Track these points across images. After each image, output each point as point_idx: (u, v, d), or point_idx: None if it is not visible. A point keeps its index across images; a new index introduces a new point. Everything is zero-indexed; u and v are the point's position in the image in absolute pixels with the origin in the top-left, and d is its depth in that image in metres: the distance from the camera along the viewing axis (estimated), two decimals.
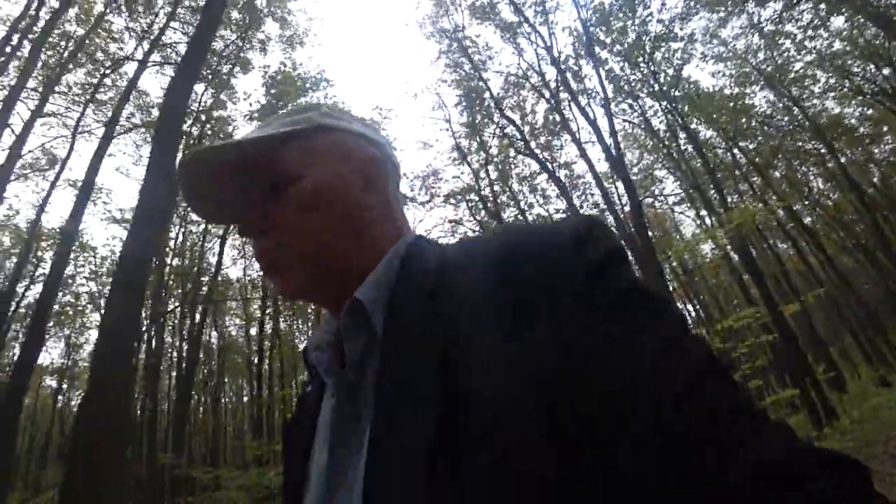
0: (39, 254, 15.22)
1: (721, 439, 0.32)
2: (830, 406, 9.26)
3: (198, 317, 15.02)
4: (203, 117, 13.82)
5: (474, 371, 0.38)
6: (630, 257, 0.45)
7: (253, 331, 18.79)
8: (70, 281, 16.51)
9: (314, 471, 0.47)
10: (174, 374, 17.98)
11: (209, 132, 13.95)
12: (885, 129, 19.09)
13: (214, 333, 21.81)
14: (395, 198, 0.59)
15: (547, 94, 13.54)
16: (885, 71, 15.76)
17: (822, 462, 0.31)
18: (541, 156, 16.11)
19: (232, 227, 0.53)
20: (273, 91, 13.62)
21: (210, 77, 12.65)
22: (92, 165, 10.45)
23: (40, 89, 11.19)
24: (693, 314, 24.21)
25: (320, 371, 0.51)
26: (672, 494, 0.31)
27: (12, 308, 12.33)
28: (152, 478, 11.57)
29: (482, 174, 16.62)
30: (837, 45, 15.85)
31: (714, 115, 16.67)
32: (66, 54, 11.92)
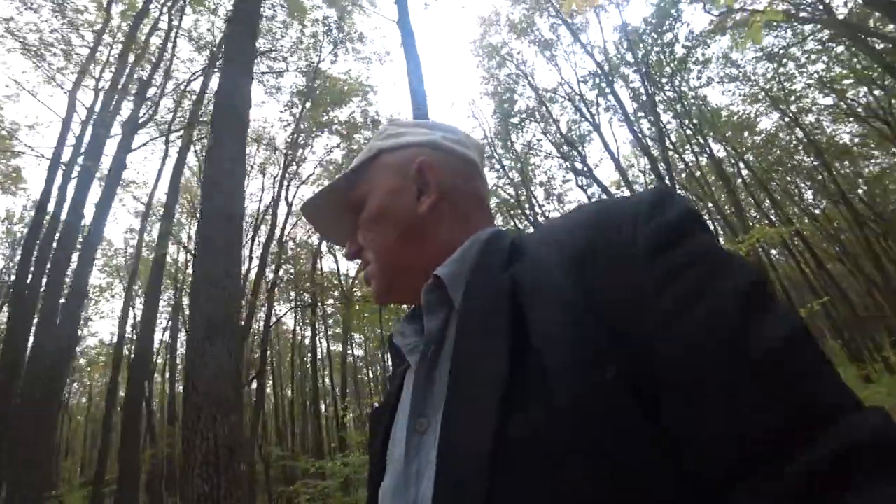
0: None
1: (805, 412, 0.30)
2: None
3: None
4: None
5: (543, 335, 0.39)
6: (707, 226, 0.43)
7: None
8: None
9: (394, 445, 0.50)
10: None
11: None
12: (873, 145, 20.84)
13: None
14: (468, 191, 0.60)
15: (583, 108, 14.74)
16: (876, 93, 17.30)
17: None
18: (564, 165, 17.38)
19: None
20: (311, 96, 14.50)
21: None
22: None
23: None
24: None
25: (404, 351, 0.54)
26: (745, 472, 0.30)
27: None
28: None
29: (512, 175, 17.76)
30: (836, 70, 17.35)
31: (721, 130, 18.09)
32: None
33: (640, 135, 13.55)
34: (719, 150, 19.18)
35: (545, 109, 17.03)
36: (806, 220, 22.32)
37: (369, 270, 0.59)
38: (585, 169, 15.98)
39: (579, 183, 17.36)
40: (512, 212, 17.81)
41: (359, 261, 0.62)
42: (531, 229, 0.54)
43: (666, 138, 16.78)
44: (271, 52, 14.41)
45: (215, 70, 13.22)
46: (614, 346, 0.36)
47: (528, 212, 17.75)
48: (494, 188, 17.95)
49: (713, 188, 18.91)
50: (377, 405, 0.61)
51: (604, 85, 14.72)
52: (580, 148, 16.76)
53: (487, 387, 0.39)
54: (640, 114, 16.04)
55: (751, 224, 16.82)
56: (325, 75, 13.48)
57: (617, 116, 14.86)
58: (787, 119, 18.67)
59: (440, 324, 0.49)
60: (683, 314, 0.35)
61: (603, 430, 0.34)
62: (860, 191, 22.02)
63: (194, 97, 12.73)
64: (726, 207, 16.91)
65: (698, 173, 17.45)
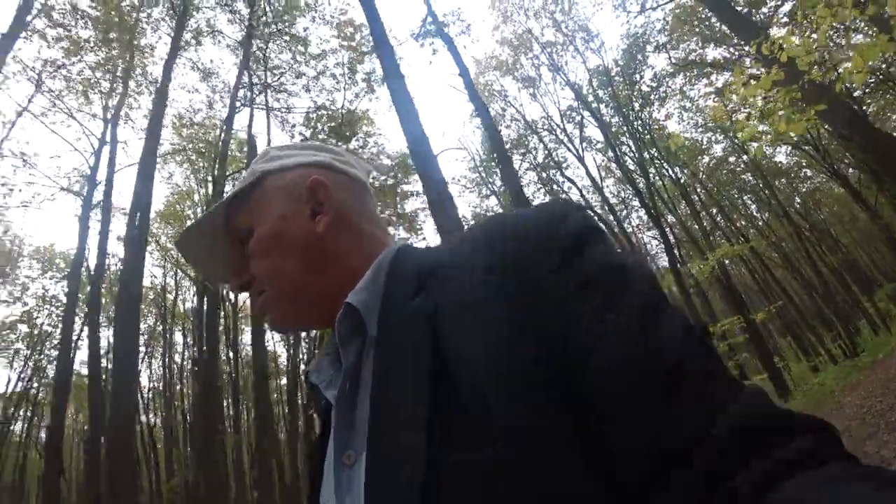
0: None
1: (701, 401, 0.33)
2: (785, 383, 12.79)
3: None
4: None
5: (460, 362, 0.39)
6: (607, 235, 0.45)
7: None
8: None
9: (328, 474, 0.47)
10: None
11: None
12: (805, 165, 24.02)
13: None
14: (362, 210, 0.60)
15: (564, 139, 16.66)
16: None
17: (799, 421, 0.32)
18: (543, 189, 19.27)
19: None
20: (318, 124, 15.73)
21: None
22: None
23: None
24: None
25: (321, 387, 0.52)
26: (655, 460, 0.32)
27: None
28: None
29: (501, 199, 19.43)
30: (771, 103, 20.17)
31: (680, 156, 20.57)
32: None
33: (621, 160, 15.54)
34: (678, 174, 21.65)
35: (531, 139, 18.92)
36: (753, 232, 25.14)
37: (265, 299, 0.56)
38: (572, 190, 17.87)
39: None
40: None
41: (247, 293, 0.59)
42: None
43: (633, 162, 18.96)
44: (281, 86, 15.56)
45: (238, 110, 14.26)
46: (540, 371, 0.37)
47: None
48: (486, 211, 19.54)
49: (674, 205, 21.34)
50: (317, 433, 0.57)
51: (584, 116, 16.72)
52: (566, 173, 18.67)
53: (413, 421, 0.38)
54: (615, 142, 18.16)
55: (710, 238, 19.20)
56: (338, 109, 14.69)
57: (593, 145, 16.90)
58: (735, 145, 21.42)
59: (356, 355, 0.48)
60: (593, 337, 0.37)
61: (537, 459, 0.34)
62: (797, 205, 25.04)
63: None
64: (688, 222, 19.21)
65: (666, 196, 19.70)
